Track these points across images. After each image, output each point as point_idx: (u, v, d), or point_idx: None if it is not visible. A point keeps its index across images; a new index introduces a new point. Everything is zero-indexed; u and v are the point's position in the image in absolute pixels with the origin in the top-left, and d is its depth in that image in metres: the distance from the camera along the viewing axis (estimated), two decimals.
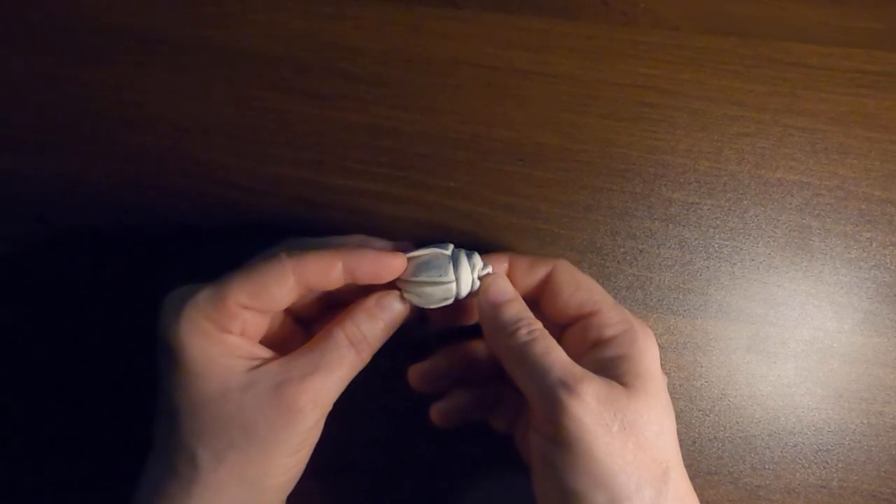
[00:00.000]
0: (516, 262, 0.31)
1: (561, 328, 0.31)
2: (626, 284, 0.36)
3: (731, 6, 0.38)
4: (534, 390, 0.27)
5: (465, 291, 0.30)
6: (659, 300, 0.36)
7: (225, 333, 0.27)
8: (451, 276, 0.29)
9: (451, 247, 0.30)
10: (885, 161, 0.37)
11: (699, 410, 0.35)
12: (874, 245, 0.36)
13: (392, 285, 0.30)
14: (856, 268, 0.36)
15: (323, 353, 0.27)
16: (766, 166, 0.37)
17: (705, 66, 0.37)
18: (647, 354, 0.28)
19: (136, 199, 0.36)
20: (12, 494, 0.34)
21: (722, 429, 0.35)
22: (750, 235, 0.36)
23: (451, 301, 0.30)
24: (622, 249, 0.36)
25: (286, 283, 0.27)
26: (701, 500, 0.35)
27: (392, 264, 0.28)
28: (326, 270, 0.27)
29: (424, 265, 0.29)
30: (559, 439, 0.26)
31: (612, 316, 0.29)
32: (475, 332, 0.32)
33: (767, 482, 0.35)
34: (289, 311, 0.31)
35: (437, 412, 0.32)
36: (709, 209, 0.36)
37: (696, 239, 0.36)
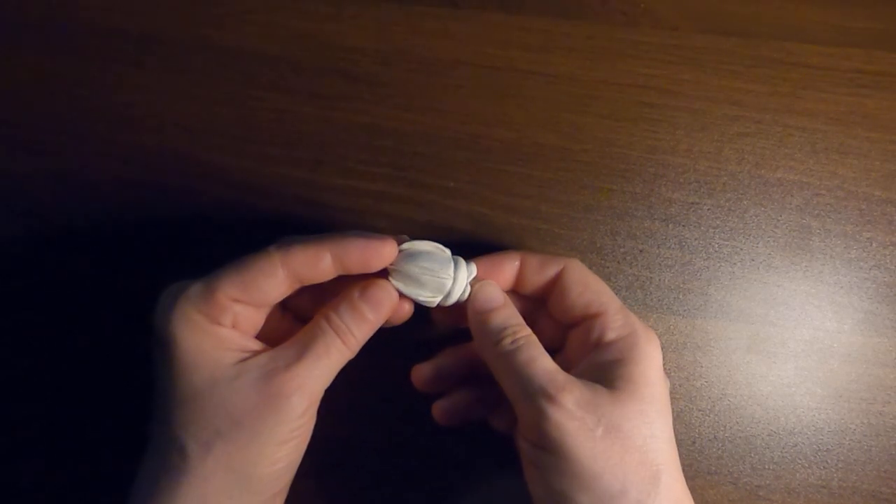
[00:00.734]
0: (527, 260, 0.31)
1: (566, 328, 0.31)
2: (626, 284, 0.36)
3: (731, 6, 0.38)
4: (518, 398, 0.28)
5: (457, 292, 0.30)
6: (659, 300, 0.36)
7: (216, 326, 0.27)
8: (450, 273, 0.29)
9: (450, 251, 0.30)
10: (885, 161, 0.37)
11: (699, 410, 0.35)
12: (874, 245, 0.36)
13: (385, 274, 0.29)
14: (856, 268, 0.36)
15: (308, 342, 0.27)
16: (766, 166, 0.37)
17: (705, 66, 0.37)
18: (645, 360, 0.28)
19: (136, 199, 0.36)
20: (12, 494, 0.34)
21: (722, 429, 0.35)
22: (750, 235, 0.36)
23: (437, 300, 0.30)
24: (622, 249, 0.36)
25: (275, 275, 0.27)
26: (701, 500, 0.35)
27: (381, 251, 0.28)
28: (315, 261, 0.27)
29: (425, 255, 0.29)
30: (543, 444, 0.27)
31: (616, 319, 0.29)
32: None
33: (767, 482, 0.35)
34: (291, 309, 0.31)
35: (439, 410, 0.32)
36: (709, 209, 0.36)
37: (696, 239, 0.36)
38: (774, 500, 0.35)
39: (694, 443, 0.35)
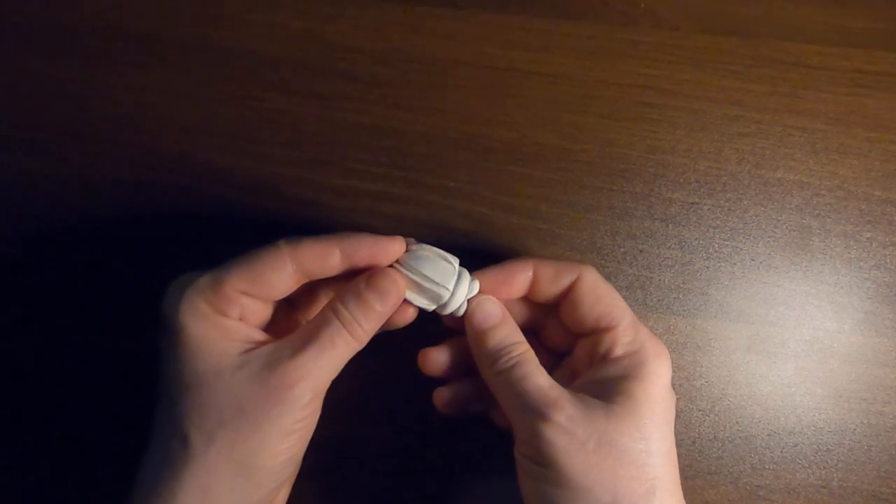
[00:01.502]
0: (541, 270, 0.31)
1: (576, 336, 0.31)
2: (626, 284, 0.36)
3: (731, 6, 0.38)
4: (512, 413, 0.28)
5: (453, 306, 0.29)
6: (659, 300, 0.36)
7: (223, 316, 0.27)
8: (450, 286, 0.29)
9: (458, 262, 0.30)
10: (885, 161, 0.37)
11: (699, 410, 0.35)
12: (874, 245, 0.36)
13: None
14: (856, 268, 0.36)
15: (314, 332, 0.27)
16: (766, 166, 0.37)
17: (705, 66, 0.37)
18: (649, 377, 0.28)
19: (137, 199, 0.36)
20: (12, 494, 0.35)
21: (722, 429, 0.35)
22: (750, 235, 0.36)
23: (433, 308, 0.30)
24: (622, 249, 0.36)
25: (284, 269, 0.27)
26: (701, 501, 0.35)
27: (390, 247, 0.28)
28: (324, 256, 0.28)
29: (430, 261, 0.29)
30: (537, 459, 0.27)
31: (626, 335, 0.29)
32: None
33: (767, 482, 0.35)
34: (298, 306, 0.31)
35: (439, 398, 0.32)
36: (709, 209, 0.36)
37: (696, 239, 0.36)
38: (774, 500, 0.35)
39: (694, 443, 0.35)
